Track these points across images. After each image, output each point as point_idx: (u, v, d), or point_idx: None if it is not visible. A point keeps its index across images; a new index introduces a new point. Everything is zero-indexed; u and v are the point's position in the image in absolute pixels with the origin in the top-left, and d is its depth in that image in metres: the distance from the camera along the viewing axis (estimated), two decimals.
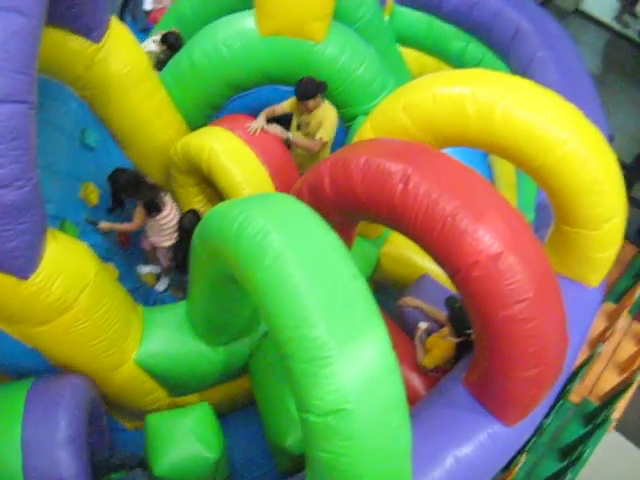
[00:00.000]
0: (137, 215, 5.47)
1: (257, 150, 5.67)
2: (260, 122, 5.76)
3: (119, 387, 4.71)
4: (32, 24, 3.35)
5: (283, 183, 5.66)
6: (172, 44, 6.45)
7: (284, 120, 6.06)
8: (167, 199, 5.63)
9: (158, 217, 5.53)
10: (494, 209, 3.59)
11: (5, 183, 3.38)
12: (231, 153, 5.54)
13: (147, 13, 8.41)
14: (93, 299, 4.21)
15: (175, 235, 5.62)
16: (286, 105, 5.99)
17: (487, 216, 3.50)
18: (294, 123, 6.03)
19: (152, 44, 6.56)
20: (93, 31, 5.14)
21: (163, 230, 5.61)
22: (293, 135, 5.93)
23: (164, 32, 6.63)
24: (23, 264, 3.75)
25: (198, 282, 4.37)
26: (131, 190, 5.41)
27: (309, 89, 5.67)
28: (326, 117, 5.82)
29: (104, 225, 5.27)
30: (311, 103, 5.72)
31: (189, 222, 5.36)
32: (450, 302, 4.76)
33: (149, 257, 5.97)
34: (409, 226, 3.66)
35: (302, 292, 3.12)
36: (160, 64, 6.31)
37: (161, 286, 6.07)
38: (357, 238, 5.08)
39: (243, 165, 5.55)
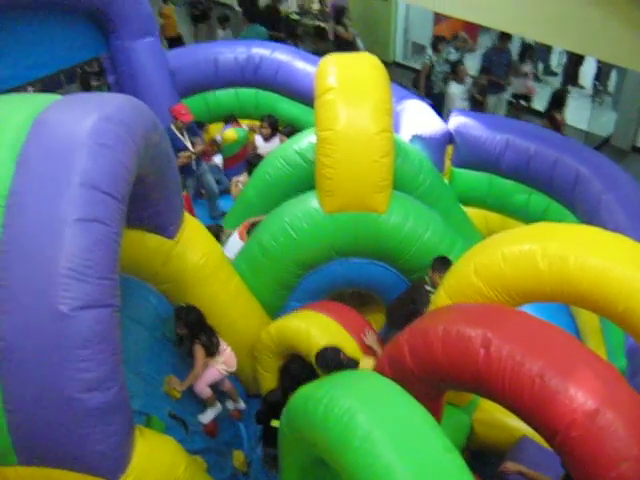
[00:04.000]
0: (198, 356, 5.46)
1: (352, 332, 5.77)
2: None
3: None
4: (113, 232, 3.54)
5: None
6: None
7: None
8: (222, 342, 5.68)
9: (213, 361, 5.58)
10: (582, 364, 3.49)
11: (93, 386, 3.41)
12: (330, 336, 5.59)
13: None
14: None
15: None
16: None
17: (576, 372, 3.40)
18: None
19: None
20: (168, 228, 5.42)
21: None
22: None
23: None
24: (112, 466, 3.72)
25: (289, 468, 4.29)
26: (195, 329, 5.46)
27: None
28: None
29: (183, 387, 5.33)
30: None
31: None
32: None
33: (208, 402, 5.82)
34: (496, 391, 3.56)
35: (395, 472, 3.05)
36: None
37: (206, 418, 5.74)
38: (447, 407, 4.96)
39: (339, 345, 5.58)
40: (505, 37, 10.99)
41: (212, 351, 5.55)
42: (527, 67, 11.55)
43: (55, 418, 3.39)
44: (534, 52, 12.21)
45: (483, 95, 10.75)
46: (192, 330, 5.50)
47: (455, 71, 10.49)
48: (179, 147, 8.11)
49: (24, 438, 3.42)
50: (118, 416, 3.63)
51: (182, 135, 8.19)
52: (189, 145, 8.23)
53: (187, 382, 5.40)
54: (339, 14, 12.66)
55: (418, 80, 11.66)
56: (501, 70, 10.96)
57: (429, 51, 11.39)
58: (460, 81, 10.45)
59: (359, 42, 13.21)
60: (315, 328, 5.64)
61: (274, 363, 6.04)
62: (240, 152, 9.29)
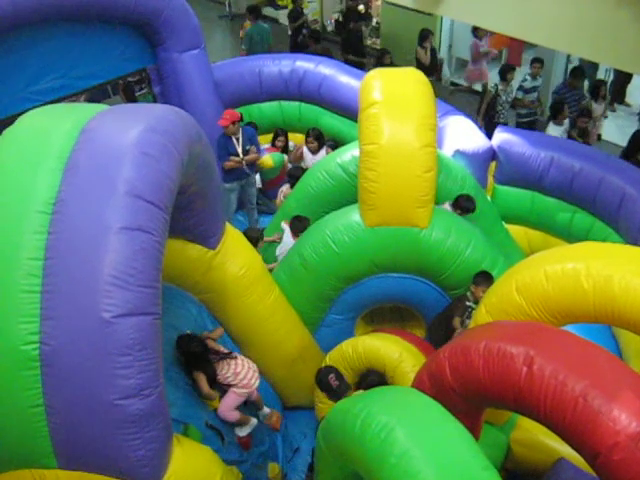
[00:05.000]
0: (201, 384, 5.20)
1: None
2: None
3: None
4: (156, 241, 3.56)
5: None
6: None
7: None
8: (235, 362, 5.43)
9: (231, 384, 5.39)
10: (626, 385, 3.42)
11: (133, 393, 3.42)
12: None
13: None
14: None
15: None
16: None
17: (620, 394, 3.34)
18: None
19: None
20: (210, 238, 5.45)
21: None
22: None
23: None
24: (150, 472, 3.72)
25: None
26: (192, 361, 5.25)
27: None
28: None
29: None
30: None
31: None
32: None
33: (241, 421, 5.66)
34: (538, 410, 3.51)
35: None
36: None
37: (243, 431, 5.65)
38: (484, 425, 4.90)
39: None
40: (578, 75, 10.79)
41: (215, 385, 5.35)
42: (600, 109, 11.03)
43: (94, 423, 3.41)
44: (607, 89, 11.54)
45: (585, 137, 10.44)
46: (189, 361, 5.31)
47: (555, 115, 10.12)
48: (231, 151, 8.24)
49: (64, 442, 3.46)
50: (156, 423, 3.63)
51: (236, 141, 8.27)
52: (239, 151, 8.29)
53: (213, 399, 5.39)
54: (422, 37, 12.26)
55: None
56: (572, 107, 10.62)
57: (496, 80, 11.12)
58: (559, 123, 10.21)
59: (445, 68, 12.96)
60: (407, 355, 5.66)
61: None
62: (279, 175, 9.28)
